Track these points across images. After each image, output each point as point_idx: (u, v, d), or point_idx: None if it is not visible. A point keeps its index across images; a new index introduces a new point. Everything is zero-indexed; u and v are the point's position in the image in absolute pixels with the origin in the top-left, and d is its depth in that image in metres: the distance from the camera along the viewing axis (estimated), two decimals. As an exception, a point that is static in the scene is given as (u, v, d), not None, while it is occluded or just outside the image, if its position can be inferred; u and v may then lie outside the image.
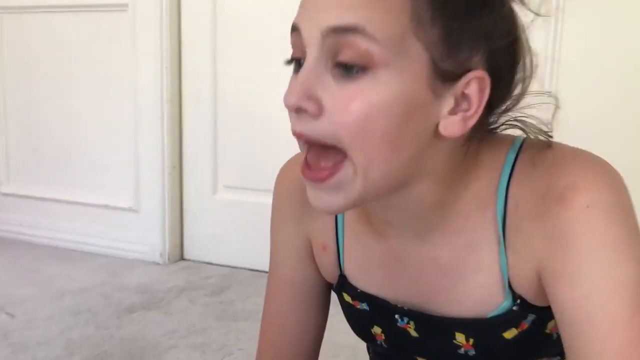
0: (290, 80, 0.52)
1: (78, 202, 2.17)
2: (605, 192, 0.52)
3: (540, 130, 0.57)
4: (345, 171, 0.50)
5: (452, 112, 0.51)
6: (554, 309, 0.54)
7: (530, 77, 0.55)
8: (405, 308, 0.64)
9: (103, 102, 2.05)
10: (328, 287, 0.72)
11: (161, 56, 1.89)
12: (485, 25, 0.50)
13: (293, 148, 0.57)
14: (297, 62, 0.52)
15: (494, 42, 0.51)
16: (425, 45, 0.48)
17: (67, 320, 1.55)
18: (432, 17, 0.48)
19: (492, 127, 0.58)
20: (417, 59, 0.48)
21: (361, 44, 0.47)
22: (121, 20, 1.95)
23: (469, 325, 0.61)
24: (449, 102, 0.50)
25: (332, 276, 0.69)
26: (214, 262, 2.00)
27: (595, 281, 0.51)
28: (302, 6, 0.51)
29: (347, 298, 0.67)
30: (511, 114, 0.57)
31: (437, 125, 0.51)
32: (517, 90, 0.56)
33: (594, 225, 0.51)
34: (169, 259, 2.01)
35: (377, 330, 0.67)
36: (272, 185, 0.73)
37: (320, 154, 0.51)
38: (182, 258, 2.06)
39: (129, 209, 2.06)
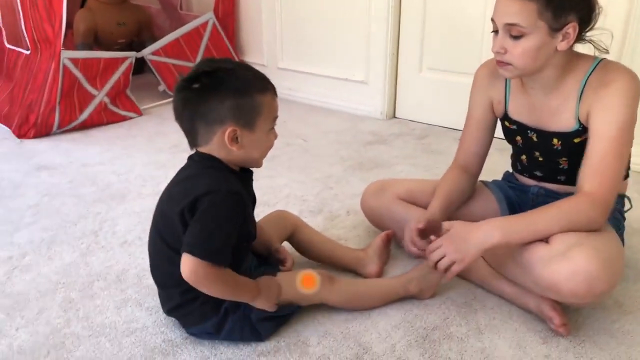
0: (492, 39, 1.22)
1: (328, 75, 2.99)
2: (629, 87, 1.17)
3: (600, 46, 1.24)
4: (511, 67, 1.21)
5: (562, 40, 1.17)
6: (590, 130, 1.21)
7: (596, 20, 1.19)
8: (533, 127, 1.34)
9: (349, 6, 2.82)
10: (495, 122, 1.50)
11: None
12: (573, 5, 1.15)
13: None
14: (495, 32, 1.22)
15: (580, 9, 1.16)
16: (545, 21, 1.15)
17: (338, 145, 2.50)
18: (546, 9, 1.14)
19: (577, 41, 1.21)
20: (542, 27, 1.15)
21: (520, 29, 1.16)
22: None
23: (560, 135, 1.29)
24: (559, 38, 1.18)
25: (500, 114, 1.43)
26: (416, 120, 2.82)
27: (608, 118, 1.18)
28: (495, 9, 1.22)
29: (507, 123, 1.44)
30: (589, 35, 1.21)
31: (555, 47, 1.20)
32: (590, 26, 1.19)
33: (617, 98, 1.18)
34: (386, 116, 2.88)
35: (518, 138, 1.41)
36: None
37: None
38: (394, 116, 2.91)
39: (361, 82, 2.89)
